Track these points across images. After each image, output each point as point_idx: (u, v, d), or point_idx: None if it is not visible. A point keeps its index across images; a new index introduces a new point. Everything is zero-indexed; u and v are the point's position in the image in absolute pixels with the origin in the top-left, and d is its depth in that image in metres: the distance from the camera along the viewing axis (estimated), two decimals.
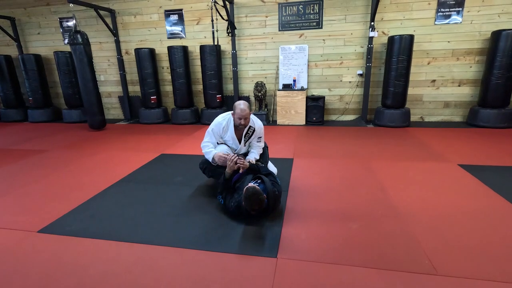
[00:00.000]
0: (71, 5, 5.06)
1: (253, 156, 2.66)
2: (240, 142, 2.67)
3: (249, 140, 2.70)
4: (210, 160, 2.59)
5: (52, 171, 3.40)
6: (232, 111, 2.57)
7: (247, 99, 6.08)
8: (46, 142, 4.78)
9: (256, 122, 2.65)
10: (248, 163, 2.41)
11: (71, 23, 6.42)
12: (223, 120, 2.61)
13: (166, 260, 1.77)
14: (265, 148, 2.88)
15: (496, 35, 4.67)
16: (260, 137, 2.72)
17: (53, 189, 2.91)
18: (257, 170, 2.40)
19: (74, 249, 1.92)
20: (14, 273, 1.70)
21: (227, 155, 2.44)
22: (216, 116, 2.71)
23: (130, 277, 1.64)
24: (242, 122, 2.49)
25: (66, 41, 6.56)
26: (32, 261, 1.81)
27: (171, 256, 1.81)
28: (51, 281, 1.62)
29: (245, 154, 2.75)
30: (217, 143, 2.69)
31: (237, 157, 2.35)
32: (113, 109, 6.97)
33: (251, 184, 2.08)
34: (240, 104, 2.48)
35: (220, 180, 2.41)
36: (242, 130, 2.60)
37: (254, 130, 2.63)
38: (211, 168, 2.68)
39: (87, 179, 3.12)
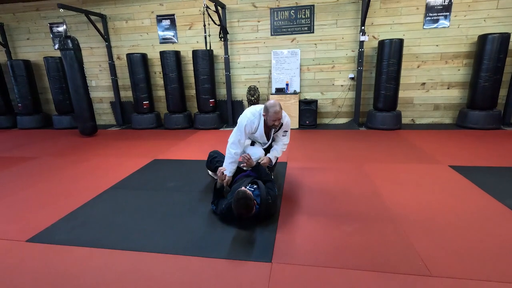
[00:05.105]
0: (61, 10, 5.01)
1: (274, 154, 2.64)
2: (268, 138, 2.65)
3: (276, 133, 2.66)
4: (224, 165, 2.51)
5: (41, 179, 3.33)
6: (262, 111, 2.47)
7: (240, 103, 6.09)
8: (36, 149, 4.68)
9: (284, 117, 2.57)
10: (255, 163, 2.44)
11: (61, 28, 6.35)
12: (255, 118, 2.52)
13: (159, 267, 1.74)
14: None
15: (483, 39, 4.79)
16: (286, 131, 2.66)
17: (42, 196, 2.85)
18: (260, 172, 2.41)
19: (64, 258, 1.87)
20: (1, 284, 1.65)
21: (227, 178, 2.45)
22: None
23: (121, 286, 1.60)
24: (276, 123, 2.45)
25: (56, 46, 6.48)
26: (21, 271, 1.75)
27: (164, 263, 1.78)
28: None
29: (268, 149, 2.75)
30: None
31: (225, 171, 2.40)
32: (104, 114, 6.89)
33: (243, 188, 2.08)
34: (275, 106, 2.38)
35: (212, 190, 2.44)
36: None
37: (282, 125, 2.57)
38: (219, 159, 2.69)
39: (78, 186, 3.06)
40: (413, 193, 2.63)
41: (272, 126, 2.50)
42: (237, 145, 2.49)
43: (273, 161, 2.70)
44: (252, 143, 2.76)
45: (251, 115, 2.53)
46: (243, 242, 1.98)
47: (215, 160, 2.74)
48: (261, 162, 2.56)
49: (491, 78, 4.80)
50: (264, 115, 2.48)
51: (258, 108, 2.56)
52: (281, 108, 2.43)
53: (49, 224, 2.30)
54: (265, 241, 1.96)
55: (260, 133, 2.60)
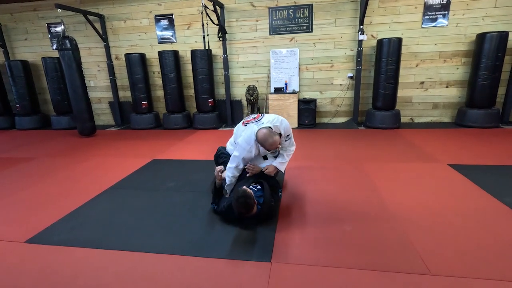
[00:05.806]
0: (59, 10, 4.99)
1: (279, 160, 2.55)
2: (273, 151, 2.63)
3: None
4: (225, 187, 2.49)
5: (40, 179, 3.32)
6: (256, 141, 2.34)
7: (239, 103, 6.09)
8: (34, 150, 4.67)
9: (281, 125, 2.45)
10: (259, 168, 2.44)
11: (59, 29, 6.32)
12: (251, 147, 2.38)
13: (158, 267, 1.74)
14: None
15: (481, 38, 4.79)
16: (288, 135, 2.54)
17: (41, 197, 2.84)
18: (267, 178, 2.40)
19: (63, 259, 1.86)
20: (1, 285, 1.64)
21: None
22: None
23: (121, 287, 1.60)
24: (277, 146, 2.37)
25: (54, 46, 6.46)
26: (20, 272, 1.75)
27: (163, 263, 1.78)
28: None
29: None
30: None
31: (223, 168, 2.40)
32: (103, 115, 6.87)
33: (244, 187, 2.08)
34: (268, 139, 2.21)
35: (212, 190, 2.43)
36: None
37: (281, 135, 2.46)
38: (227, 155, 2.68)
39: (77, 187, 3.06)
40: (412, 192, 2.63)
41: (273, 150, 2.43)
42: (233, 170, 2.44)
43: (281, 168, 2.56)
44: (265, 157, 2.71)
45: (246, 145, 2.39)
46: (243, 242, 1.98)
47: (223, 155, 2.73)
48: (266, 171, 2.47)
49: (489, 77, 4.80)
50: (262, 146, 2.35)
51: (252, 135, 2.37)
52: (273, 133, 2.27)
53: (48, 224, 2.29)
54: (264, 241, 1.96)
55: (263, 152, 2.51)
